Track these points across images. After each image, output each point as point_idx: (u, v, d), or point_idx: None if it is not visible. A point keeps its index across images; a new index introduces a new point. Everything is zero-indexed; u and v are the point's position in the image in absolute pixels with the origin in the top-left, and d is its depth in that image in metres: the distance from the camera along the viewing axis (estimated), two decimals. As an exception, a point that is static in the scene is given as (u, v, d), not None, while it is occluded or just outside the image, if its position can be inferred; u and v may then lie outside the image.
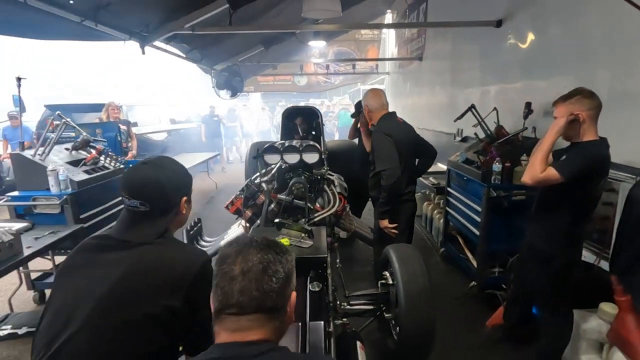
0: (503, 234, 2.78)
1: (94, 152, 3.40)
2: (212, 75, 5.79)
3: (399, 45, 7.60)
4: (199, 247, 3.09)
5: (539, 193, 2.00)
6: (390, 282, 1.68)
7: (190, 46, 4.39)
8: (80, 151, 3.43)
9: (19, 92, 2.89)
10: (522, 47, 3.19)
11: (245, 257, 0.72)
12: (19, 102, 5.84)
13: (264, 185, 2.60)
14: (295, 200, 2.50)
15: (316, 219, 2.38)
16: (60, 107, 6.43)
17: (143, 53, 3.51)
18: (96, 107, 5.86)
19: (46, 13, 2.40)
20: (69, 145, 3.38)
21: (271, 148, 2.55)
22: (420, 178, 3.69)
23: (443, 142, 4.88)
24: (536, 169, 1.76)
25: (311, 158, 2.55)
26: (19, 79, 2.82)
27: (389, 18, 8.43)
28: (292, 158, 2.55)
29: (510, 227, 2.76)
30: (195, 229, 3.26)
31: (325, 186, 2.54)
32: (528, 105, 2.89)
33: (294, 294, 0.75)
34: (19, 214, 2.91)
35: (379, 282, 1.73)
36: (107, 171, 3.42)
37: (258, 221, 2.61)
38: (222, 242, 2.92)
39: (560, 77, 2.70)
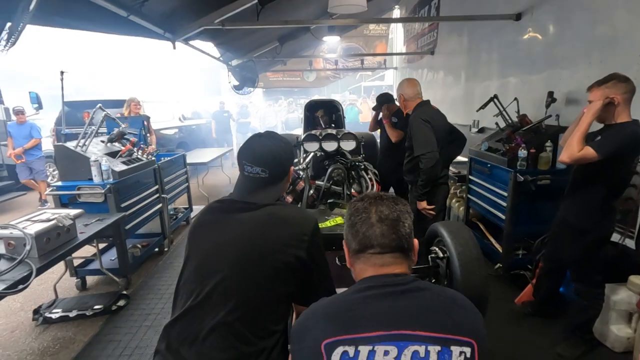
0: (529, 217, 2.92)
1: (128, 144, 3.51)
2: (228, 71, 5.89)
3: (408, 41, 7.72)
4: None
5: (574, 172, 2.13)
6: (441, 255, 1.80)
7: (213, 42, 4.49)
8: (115, 144, 3.54)
9: (62, 86, 2.99)
10: (543, 38, 3.31)
11: (379, 208, 0.84)
12: (37, 99, 5.94)
13: (300, 172, 2.72)
14: (333, 186, 2.63)
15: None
16: (78, 103, 6.55)
17: (174, 48, 3.61)
18: (113, 104, 5.95)
19: (95, 6, 2.49)
20: (104, 138, 3.49)
21: (311, 136, 2.67)
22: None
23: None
24: (574, 148, 1.89)
25: (348, 145, 2.68)
26: (62, 73, 2.92)
27: (396, 13, 8.54)
28: (330, 145, 2.67)
29: (536, 210, 2.90)
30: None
31: (363, 172, 2.67)
32: (550, 94, 3.02)
33: (416, 241, 0.88)
34: (63, 203, 3.02)
35: (429, 256, 1.85)
36: (141, 162, 3.53)
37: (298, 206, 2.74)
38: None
39: (583, 66, 2.82)
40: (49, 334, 2.62)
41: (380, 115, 4.26)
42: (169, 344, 0.98)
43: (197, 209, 5.30)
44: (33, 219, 2.33)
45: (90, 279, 3.34)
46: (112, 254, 3.42)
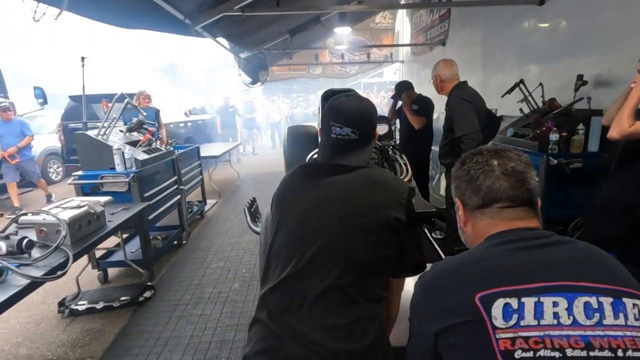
0: (560, 202, 2.89)
1: (147, 134, 3.43)
2: (238, 63, 5.81)
3: (415, 33, 7.68)
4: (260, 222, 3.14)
5: (622, 148, 2.09)
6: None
7: (226, 34, 4.41)
8: (133, 133, 3.46)
9: (83, 72, 2.90)
10: (570, 22, 3.28)
11: (503, 161, 0.79)
12: (42, 94, 5.82)
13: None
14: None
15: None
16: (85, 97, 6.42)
17: (192, 35, 3.53)
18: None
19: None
20: (122, 128, 3.41)
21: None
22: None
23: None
24: (624, 124, 1.86)
25: (381, 129, 2.62)
26: (82, 59, 2.83)
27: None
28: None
29: (568, 195, 2.87)
30: (254, 206, 3.32)
31: (397, 157, 2.61)
32: (580, 77, 2.99)
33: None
34: (85, 192, 2.94)
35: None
36: (161, 152, 3.46)
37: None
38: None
39: (615, 49, 2.79)
40: (76, 326, 2.54)
41: (400, 103, 4.22)
42: (270, 312, 0.92)
43: (210, 202, 5.23)
44: (62, 206, 2.26)
45: (110, 271, 3.26)
46: (132, 246, 3.36)
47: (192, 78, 16.97)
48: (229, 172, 7.37)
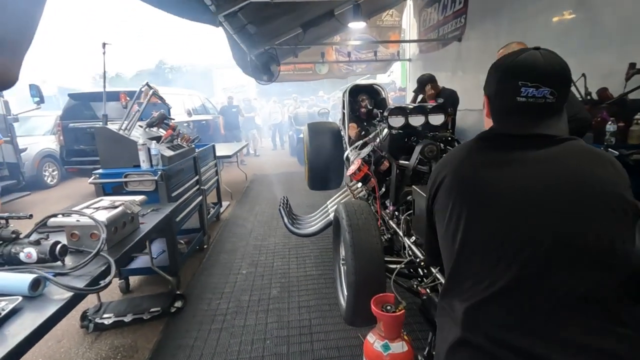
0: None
1: (169, 129, 3.17)
2: (249, 59, 5.57)
3: (425, 31, 7.55)
4: (299, 223, 2.92)
5: None
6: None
7: (245, 20, 4.17)
8: (153, 129, 3.19)
9: (104, 59, 2.63)
10: (615, 10, 3.15)
11: None
12: (38, 92, 5.47)
13: (381, 151, 2.46)
14: (419, 165, 2.37)
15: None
16: (86, 95, 6.09)
17: (217, 25, 3.29)
18: (111, 96, 5.48)
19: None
20: (142, 123, 3.14)
21: (397, 110, 2.41)
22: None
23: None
24: None
25: (437, 120, 2.43)
26: (104, 45, 2.57)
27: (409, 4, 8.38)
28: (418, 120, 2.42)
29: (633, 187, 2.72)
30: (288, 204, 3.09)
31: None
32: (632, 65, 2.86)
33: None
34: (106, 192, 2.66)
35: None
36: (184, 149, 3.20)
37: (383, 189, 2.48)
38: (319, 224, 2.76)
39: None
40: (103, 342, 2.26)
41: (420, 97, 4.06)
42: (488, 333, 0.70)
43: (224, 204, 4.96)
44: (93, 206, 2.00)
45: (130, 280, 2.98)
46: (154, 251, 3.08)
47: (186, 78, 16.62)
48: (236, 173, 7.09)
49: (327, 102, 13.02)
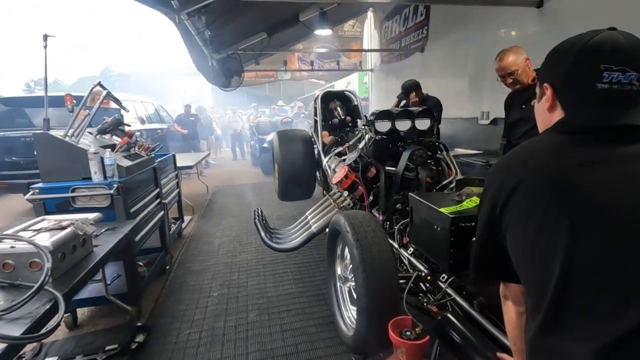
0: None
1: (124, 136, 2.80)
2: (211, 64, 5.26)
3: (386, 42, 7.70)
4: (278, 237, 2.68)
5: None
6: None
7: (203, 25, 3.90)
8: (105, 136, 2.81)
9: (46, 53, 2.24)
10: (571, 24, 3.33)
11: None
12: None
13: (367, 157, 2.33)
14: (405, 172, 2.27)
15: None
16: (16, 100, 5.37)
17: (178, 22, 2.99)
18: (57, 101, 4.90)
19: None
20: (92, 130, 2.74)
21: (384, 114, 2.29)
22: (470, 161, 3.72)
23: (464, 127, 4.99)
24: None
25: (423, 124, 2.35)
26: (45, 37, 2.19)
27: (370, 16, 8.54)
28: (404, 125, 2.32)
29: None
30: (264, 218, 2.85)
31: (444, 154, 2.34)
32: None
33: None
34: (48, 211, 2.24)
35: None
36: (143, 159, 2.84)
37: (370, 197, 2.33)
38: (301, 237, 2.55)
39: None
40: (45, 394, 1.85)
41: (403, 102, 4.04)
42: None
43: (186, 219, 4.56)
44: (31, 228, 1.63)
45: (80, 312, 2.54)
46: (109, 276, 2.67)
47: (135, 86, 15.62)
48: (196, 185, 6.64)
49: (286, 111, 12.87)
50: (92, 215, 1.78)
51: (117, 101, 2.60)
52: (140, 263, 2.85)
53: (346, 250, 1.85)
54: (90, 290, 2.45)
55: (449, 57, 5.46)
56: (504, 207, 0.72)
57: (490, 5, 3.81)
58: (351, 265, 1.58)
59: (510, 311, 0.84)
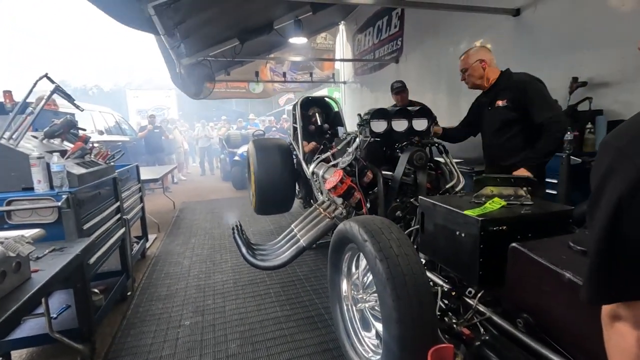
0: (584, 199, 2.78)
1: (77, 141, 2.40)
2: (179, 71, 4.91)
3: (359, 54, 7.71)
4: (261, 254, 2.36)
5: None
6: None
7: (176, 19, 3.58)
8: (54, 140, 2.40)
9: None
10: (547, 32, 3.38)
11: None
12: None
13: (361, 160, 2.11)
14: (403, 177, 2.07)
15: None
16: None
17: (152, 15, 2.66)
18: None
19: None
20: (37, 134, 2.33)
21: (379, 113, 2.09)
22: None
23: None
24: None
25: (421, 125, 2.17)
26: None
27: (342, 29, 8.56)
28: (401, 125, 2.13)
29: (586, 195, 2.78)
30: (244, 232, 2.52)
31: (445, 156, 2.16)
32: (575, 79, 3.03)
33: None
34: (-25, 230, 1.80)
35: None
36: (100, 167, 2.44)
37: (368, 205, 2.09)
38: (289, 252, 2.25)
39: (609, 49, 2.86)
40: None
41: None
42: None
43: (150, 238, 4.09)
44: (-58, 251, 1.24)
45: (16, 353, 2.07)
46: (54, 306, 2.22)
47: (93, 100, 14.67)
48: (161, 201, 6.13)
49: (258, 125, 12.58)
50: (30, 232, 1.40)
51: (68, 97, 2.21)
52: (96, 290, 2.42)
53: (354, 264, 1.59)
54: (30, 326, 2.01)
55: (424, 67, 5.47)
56: None
57: (471, 12, 3.82)
58: (368, 281, 1.32)
59: (627, 339, 0.61)
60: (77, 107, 2.37)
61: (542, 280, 1.03)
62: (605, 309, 0.65)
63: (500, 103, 2.16)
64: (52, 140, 2.39)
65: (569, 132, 2.75)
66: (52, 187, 1.92)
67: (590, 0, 2.99)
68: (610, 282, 0.61)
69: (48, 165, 1.91)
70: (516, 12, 3.67)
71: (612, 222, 0.58)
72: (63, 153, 2.23)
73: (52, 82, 2.09)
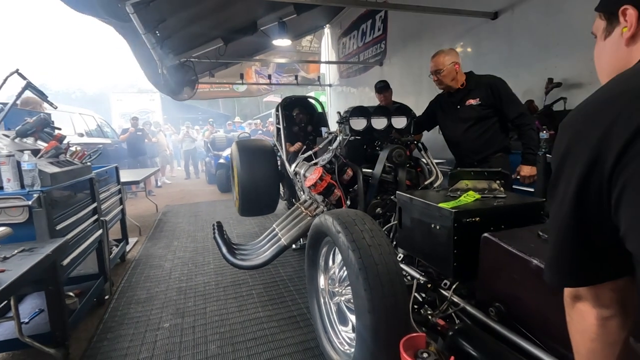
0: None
1: (52, 140, 2.34)
2: (161, 72, 4.85)
3: (344, 57, 7.77)
4: (242, 253, 2.34)
5: None
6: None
7: (157, 17, 3.54)
8: (27, 140, 2.33)
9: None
10: (523, 34, 3.48)
11: None
12: None
13: (341, 157, 2.12)
14: (383, 174, 2.09)
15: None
16: None
17: (132, 13, 2.62)
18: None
19: None
20: (9, 132, 2.26)
21: (359, 110, 2.10)
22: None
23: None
24: None
25: (399, 122, 2.19)
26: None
27: (327, 33, 8.62)
28: (380, 123, 2.15)
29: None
30: (225, 232, 2.49)
31: (424, 153, 2.19)
32: (551, 80, 3.12)
33: None
34: (-61, 231, 1.72)
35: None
36: (76, 167, 2.38)
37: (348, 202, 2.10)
38: (270, 251, 2.24)
39: (581, 51, 2.96)
40: None
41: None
42: None
43: (131, 241, 4.01)
44: None
45: (-16, 362, 1.99)
46: (26, 310, 2.15)
47: (75, 104, 14.36)
48: (144, 205, 6.01)
49: (243, 128, 12.51)
50: (-5, 230, 1.35)
51: (41, 94, 2.15)
52: (71, 293, 2.35)
53: (331, 259, 1.58)
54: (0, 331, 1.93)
55: (406, 70, 5.55)
56: (620, 159, 0.50)
57: (451, 14, 3.89)
58: (344, 275, 1.32)
59: (587, 318, 0.62)
60: (51, 104, 2.31)
61: (511, 268, 1.04)
62: (567, 290, 0.66)
63: (472, 102, 2.32)
64: (25, 140, 2.32)
65: (545, 131, 2.85)
66: (22, 186, 1.86)
67: (564, 5, 3.10)
68: (566, 267, 0.62)
69: (19, 163, 1.85)
70: (494, 16, 3.77)
71: (564, 208, 0.59)
72: (36, 152, 2.17)
73: (24, 78, 2.04)
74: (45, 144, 2.33)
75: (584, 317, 0.63)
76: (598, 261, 0.58)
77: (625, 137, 0.49)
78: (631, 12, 0.59)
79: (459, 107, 2.41)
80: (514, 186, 2.48)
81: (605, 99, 0.56)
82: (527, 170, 2.28)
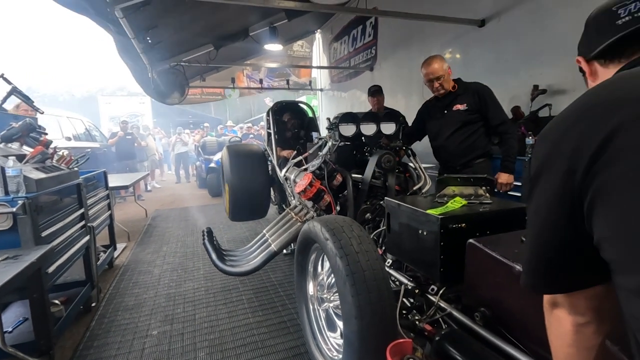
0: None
1: (38, 145, 2.30)
2: (151, 75, 4.82)
3: (335, 62, 7.82)
4: (232, 259, 2.33)
5: None
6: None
7: (146, 24, 3.53)
8: (12, 145, 2.29)
9: None
10: (509, 42, 3.55)
11: None
12: None
13: (330, 163, 2.13)
14: (372, 179, 2.11)
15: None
16: None
17: (121, 18, 2.60)
18: None
19: None
20: (-7, 137, 2.22)
21: (348, 116, 2.12)
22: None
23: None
24: None
25: (388, 128, 2.22)
26: None
27: (318, 37, 8.67)
28: (369, 129, 2.17)
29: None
30: (215, 238, 2.48)
31: (412, 159, 2.22)
32: (536, 87, 3.19)
33: None
34: None
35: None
36: (62, 172, 2.35)
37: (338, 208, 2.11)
38: (260, 257, 2.23)
39: (565, 58, 3.03)
40: None
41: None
42: None
43: (120, 247, 3.96)
44: None
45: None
46: (10, 318, 2.11)
47: (63, 107, 14.16)
48: (133, 210, 5.94)
49: (235, 132, 12.47)
50: (-23, 238, 1.33)
51: (26, 99, 2.13)
52: (56, 301, 2.30)
53: (320, 265, 1.59)
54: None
55: (396, 75, 5.61)
56: (589, 169, 0.52)
57: (439, 22, 3.95)
58: (332, 281, 1.32)
59: (563, 324, 0.64)
60: (37, 109, 2.28)
61: (496, 273, 1.06)
62: (546, 297, 0.68)
63: (460, 107, 2.37)
64: (9, 145, 2.28)
65: (530, 137, 2.91)
66: (7, 193, 1.83)
67: (548, 14, 3.17)
68: (542, 273, 0.64)
69: (3, 169, 1.82)
70: (482, 23, 3.84)
71: (540, 215, 0.61)
72: (21, 157, 2.13)
73: (9, 82, 2.01)
74: (31, 149, 2.30)
75: (561, 323, 0.65)
76: (573, 270, 0.59)
77: (594, 147, 0.51)
78: (580, 59, 0.76)
79: (445, 112, 2.47)
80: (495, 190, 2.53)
81: (577, 110, 0.58)
82: (504, 178, 2.35)
